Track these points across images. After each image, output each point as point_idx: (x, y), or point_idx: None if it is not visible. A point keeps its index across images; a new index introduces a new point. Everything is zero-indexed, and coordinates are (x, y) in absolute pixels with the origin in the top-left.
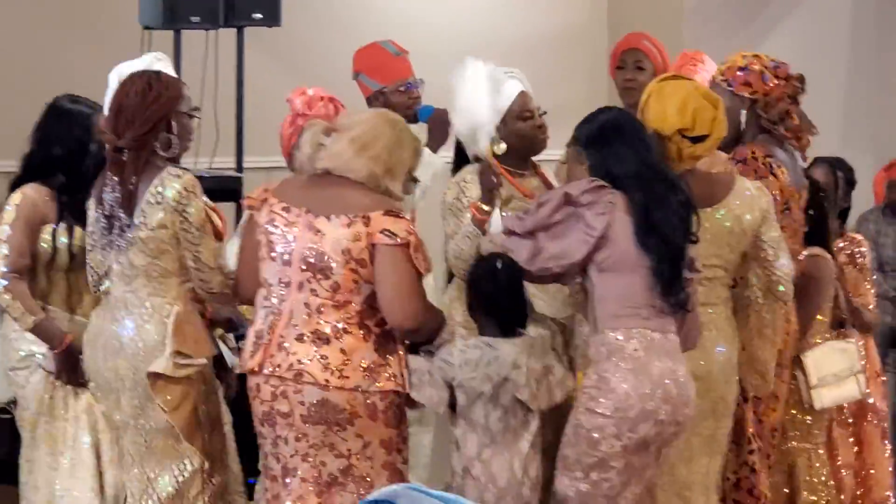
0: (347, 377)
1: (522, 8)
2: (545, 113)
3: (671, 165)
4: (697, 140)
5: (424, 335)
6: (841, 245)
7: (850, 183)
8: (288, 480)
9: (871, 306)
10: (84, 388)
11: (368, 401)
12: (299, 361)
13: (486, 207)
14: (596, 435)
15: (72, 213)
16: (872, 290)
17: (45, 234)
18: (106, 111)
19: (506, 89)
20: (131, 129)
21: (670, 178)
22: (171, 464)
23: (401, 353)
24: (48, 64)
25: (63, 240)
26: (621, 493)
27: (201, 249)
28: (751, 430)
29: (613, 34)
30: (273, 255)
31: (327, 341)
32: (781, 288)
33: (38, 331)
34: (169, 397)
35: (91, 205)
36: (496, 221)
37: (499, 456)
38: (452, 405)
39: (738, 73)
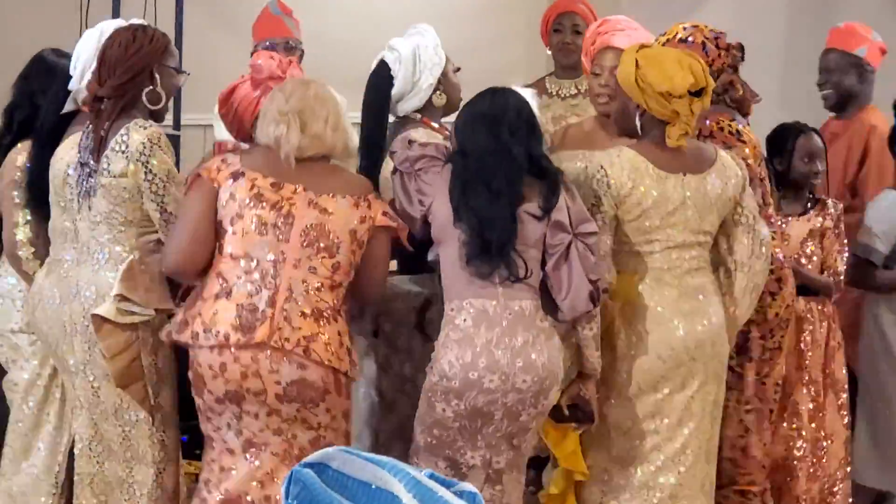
0: (342, 359)
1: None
2: (459, 69)
3: (683, 126)
4: (698, 94)
5: None
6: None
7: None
8: (250, 455)
9: (838, 277)
10: None
11: (338, 377)
12: (305, 338)
13: None
14: (430, 397)
15: None
16: (843, 259)
17: None
18: (74, 65)
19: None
20: (112, 78)
21: (519, 155)
22: (119, 412)
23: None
24: None
25: None
26: (466, 452)
27: (167, 200)
28: (750, 390)
29: None
30: (262, 229)
31: (327, 321)
32: (765, 250)
33: None
34: (110, 344)
35: (63, 156)
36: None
37: None
38: None
39: (680, 45)
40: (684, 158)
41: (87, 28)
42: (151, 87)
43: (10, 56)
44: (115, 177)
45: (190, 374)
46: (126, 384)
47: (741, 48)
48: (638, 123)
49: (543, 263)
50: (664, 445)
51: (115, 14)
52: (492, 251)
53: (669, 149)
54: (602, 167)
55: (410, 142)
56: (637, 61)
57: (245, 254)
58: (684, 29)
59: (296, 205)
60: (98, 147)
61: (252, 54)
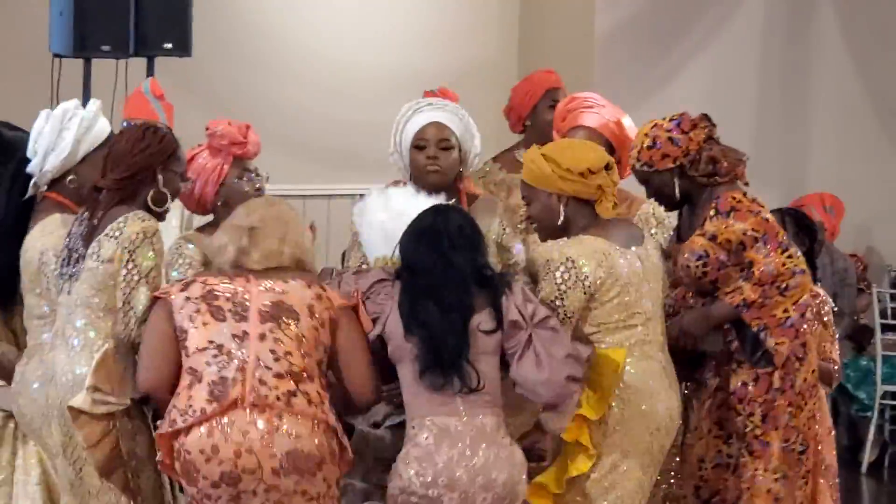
0: (327, 413)
1: (432, 41)
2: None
3: (610, 197)
4: (608, 168)
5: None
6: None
7: (810, 232)
8: None
9: (836, 365)
10: None
11: (332, 444)
12: (284, 394)
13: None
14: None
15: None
16: (836, 347)
17: None
18: (34, 147)
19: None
20: (114, 172)
21: (464, 268)
22: (101, 494)
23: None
24: None
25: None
26: None
27: (133, 296)
28: (777, 459)
29: (523, 67)
30: (220, 316)
31: (303, 381)
32: None
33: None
34: (87, 433)
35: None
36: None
37: None
38: None
39: (651, 151)
40: (624, 234)
41: (57, 99)
42: (156, 188)
43: None
44: (102, 261)
45: (178, 467)
46: (108, 473)
47: (707, 118)
48: (562, 216)
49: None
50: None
51: (87, 82)
52: (444, 363)
53: (607, 227)
54: (570, 259)
55: (355, 273)
56: (545, 156)
57: (209, 342)
58: (646, 135)
59: (250, 291)
60: (90, 234)
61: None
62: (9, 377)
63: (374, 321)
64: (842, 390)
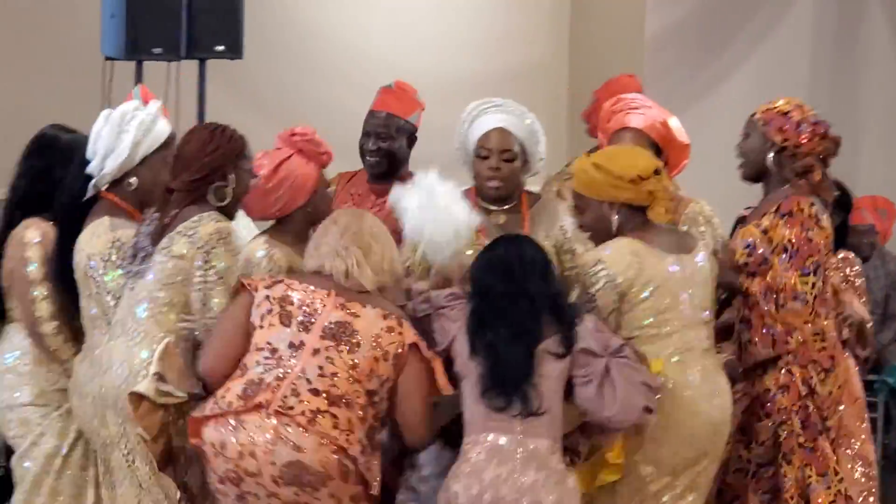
0: (352, 444)
1: (483, 44)
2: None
3: (663, 203)
4: (658, 173)
5: None
6: (835, 265)
7: (844, 205)
8: None
9: (868, 323)
10: None
11: (344, 466)
12: (312, 411)
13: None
14: None
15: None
16: (865, 307)
17: None
18: (94, 148)
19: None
20: (185, 174)
21: (535, 294)
22: (152, 488)
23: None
24: (10, 94)
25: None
26: None
27: (212, 296)
28: (832, 459)
29: (574, 69)
30: (286, 321)
31: (339, 406)
32: None
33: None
34: (148, 424)
35: (84, 247)
36: None
37: None
38: None
39: (778, 116)
40: (671, 241)
41: (109, 103)
42: (220, 185)
43: (33, 130)
44: (172, 257)
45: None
46: (164, 466)
47: (837, 142)
48: (615, 223)
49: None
50: None
51: (138, 83)
52: (507, 385)
53: (655, 233)
54: (598, 261)
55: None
56: (595, 164)
57: (266, 343)
58: (788, 103)
59: (325, 305)
60: (160, 233)
61: None
62: None
63: (442, 335)
64: (893, 394)
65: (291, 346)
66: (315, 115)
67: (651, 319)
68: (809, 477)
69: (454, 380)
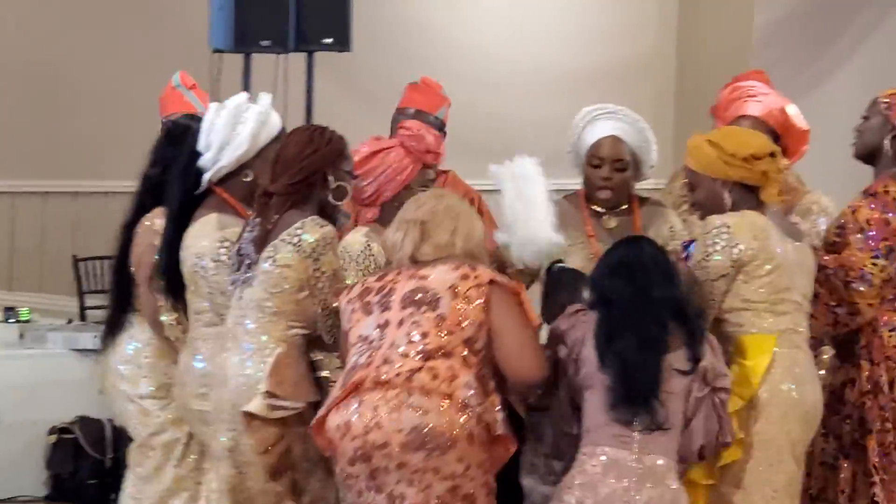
0: (456, 390)
1: (590, 39)
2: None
3: (775, 184)
4: (774, 156)
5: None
6: None
7: None
8: None
9: None
10: None
11: (469, 425)
12: (408, 370)
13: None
14: None
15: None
16: None
17: None
18: (207, 142)
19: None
20: (284, 177)
21: (662, 304)
22: (265, 495)
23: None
24: (120, 87)
25: None
26: None
27: (329, 299)
28: (871, 463)
29: (681, 65)
30: (368, 311)
31: (432, 357)
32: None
33: None
34: (261, 438)
35: (191, 244)
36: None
37: None
38: None
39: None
40: (786, 226)
41: (217, 96)
42: (321, 188)
43: (144, 123)
44: (277, 265)
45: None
46: (276, 476)
47: None
48: (727, 201)
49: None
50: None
51: (246, 77)
52: (635, 398)
53: (771, 216)
54: (725, 224)
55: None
56: (710, 141)
57: (359, 337)
58: None
59: (398, 282)
60: (263, 240)
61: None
62: None
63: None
64: None
65: (378, 328)
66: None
67: (766, 295)
68: (856, 474)
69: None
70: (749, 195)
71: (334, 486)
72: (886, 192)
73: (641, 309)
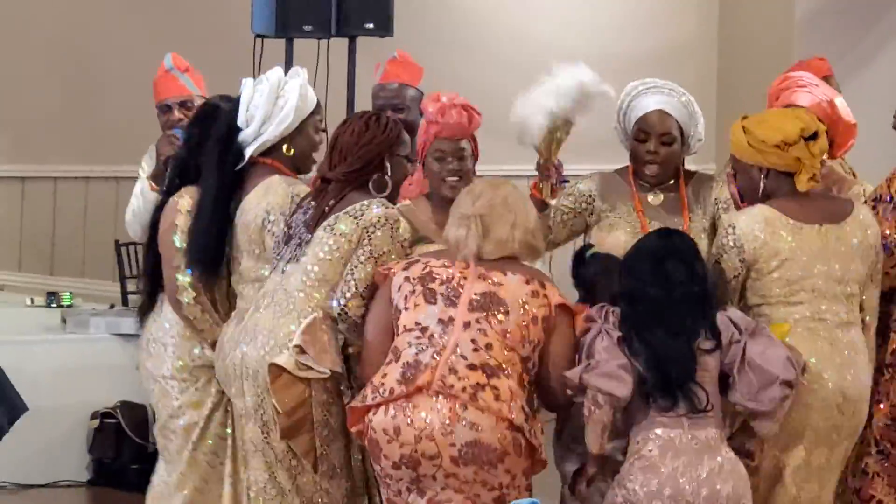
0: (514, 413)
1: (632, 23)
2: None
3: (809, 170)
4: (813, 138)
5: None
6: None
7: None
8: None
9: None
10: None
11: (518, 440)
12: (472, 386)
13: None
14: None
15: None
16: None
17: None
18: (248, 116)
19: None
20: (343, 165)
21: (685, 292)
22: (287, 457)
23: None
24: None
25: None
26: None
27: (359, 271)
28: (875, 433)
29: (723, 49)
30: (431, 299)
31: (497, 376)
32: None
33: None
34: (283, 397)
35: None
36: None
37: None
38: None
39: None
40: (820, 209)
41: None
42: (379, 175)
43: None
44: (334, 234)
45: (366, 443)
46: (291, 436)
47: None
48: (762, 187)
49: (723, 389)
50: (801, 494)
51: (288, 62)
52: (672, 386)
53: (803, 201)
54: (731, 225)
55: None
56: (744, 128)
57: (415, 323)
58: None
59: (466, 277)
60: (317, 222)
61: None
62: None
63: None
64: None
65: (441, 322)
66: (463, 94)
67: (779, 290)
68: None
69: None
70: (785, 181)
71: (353, 461)
72: None
73: (668, 298)
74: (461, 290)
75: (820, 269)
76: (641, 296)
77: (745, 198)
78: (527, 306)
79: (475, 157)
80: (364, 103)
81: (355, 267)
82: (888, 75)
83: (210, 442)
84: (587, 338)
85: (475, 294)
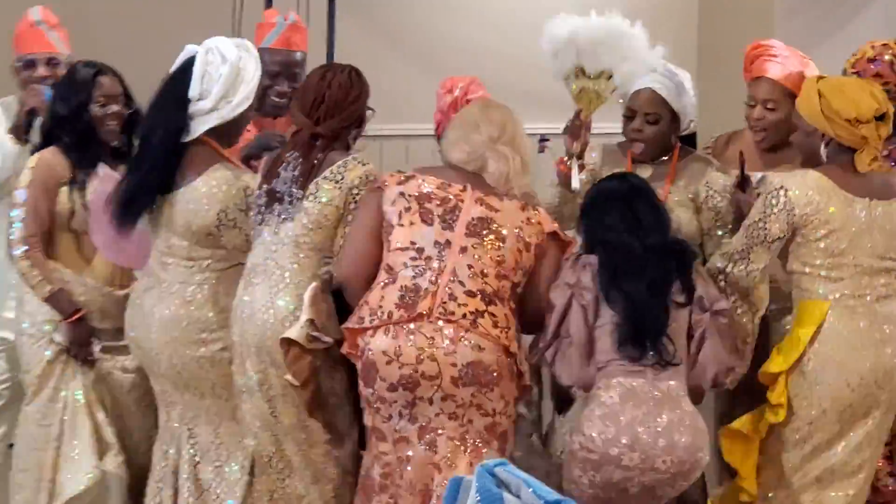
0: (511, 340)
1: None
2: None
3: (872, 150)
4: (882, 119)
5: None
6: None
7: None
8: (425, 441)
9: None
10: (90, 366)
11: (511, 365)
12: (472, 313)
13: (566, 160)
14: (570, 460)
15: (82, 171)
16: None
17: (62, 196)
18: (196, 86)
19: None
20: (332, 121)
21: (659, 242)
22: (297, 430)
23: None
24: (141, 22)
25: (78, 199)
26: None
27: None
28: None
29: (703, 6)
30: (428, 220)
31: (493, 303)
32: None
33: (53, 301)
34: (298, 370)
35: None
36: (575, 177)
37: None
38: None
39: (869, 64)
40: (871, 184)
41: (239, 31)
42: (357, 130)
43: (161, 54)
44: (319, 202)
45: (359, 366)
46: (313, 410)
47: None
48: (823, 153)
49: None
50: (839, 469)
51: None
52: (644, 337)
53: (855, 174)
54: (782, 187)
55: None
56: (820, 91)
57: (411, 243)
58: (873, 48)
59: (463, 200)
60: (307, 178)
61: (15, 69)
62: (65, 311)
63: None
64: None
65: (437, 244)
66: (440, 50)
67: (822, 261)
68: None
69: None
70: (844, 154)
71: (357, 422)
72: None
73: (642, 247)
74: (458, 213)
75: (864, 244)
76: (617, 244)
77: (796, 154)
78: (521, 233)
79: None
80: (343, 57)
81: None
82: (868, 34)
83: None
84: (559, 303)
85: (472, 218)
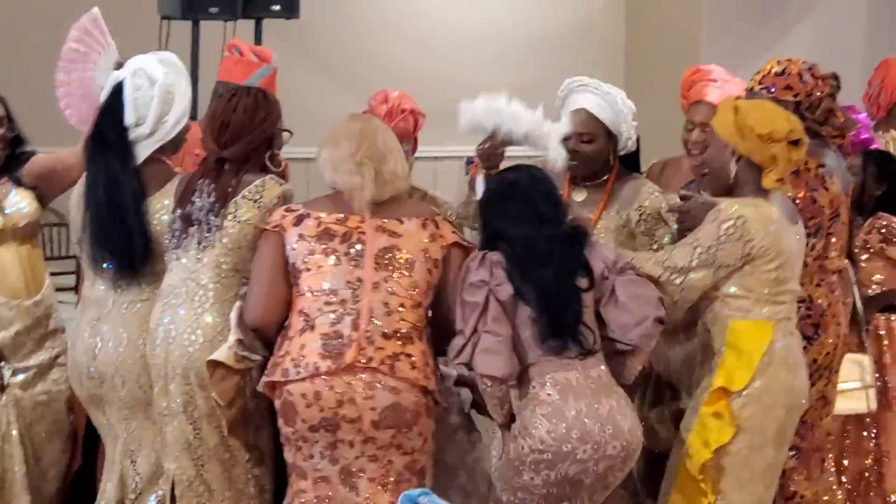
0: (429, 378)
1: (539, 1)
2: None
3: (779, 171)
4: (795, 144)
5: None
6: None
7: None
8: (347, 483)
9: None
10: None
11: (428, 402)
12: (389, 357)
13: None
14: (518, 465)
15: None
16: None
17: None
18: (131, 111)
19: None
20: (237, 145)
21: (560, 232)
22: (219, 452)
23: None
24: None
25: None
26: None
27: None
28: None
29: (631, 26)
30: (335, 261)
31: (410, 340)
32: None
33: None
34: (223, 390)
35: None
36: (479, 186)
37: None
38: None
39: (777, 78)
40: (787, 209)
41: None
42: (271, 152)
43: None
44: (239, 222)
45: (277, 405)
46: (236, 430)
47: (836, 77)
48: (732, 170)
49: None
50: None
51: (195, 44)
52: (563, 329)
53: (775, 200)
54: (741, 217)
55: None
56: (736, 107)
57: (322, 287)
58: (778, 63)
59: (365, 233)
60: (222, 205)
61: None
62: None
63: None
64: None
65: (349, 285)
66: (371, 74)
67: (769, 287)
68: None
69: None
70: (753, 173)
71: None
72: (808, 170)
73: (545, 241)
74: (363, 248)
75: (798, 272)
76: (519, 237)
77: (709, 175)
78: (427, 253)
79: (413, 152)
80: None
81: None
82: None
83: None
84: (477, 300)
85: (378, 251)
